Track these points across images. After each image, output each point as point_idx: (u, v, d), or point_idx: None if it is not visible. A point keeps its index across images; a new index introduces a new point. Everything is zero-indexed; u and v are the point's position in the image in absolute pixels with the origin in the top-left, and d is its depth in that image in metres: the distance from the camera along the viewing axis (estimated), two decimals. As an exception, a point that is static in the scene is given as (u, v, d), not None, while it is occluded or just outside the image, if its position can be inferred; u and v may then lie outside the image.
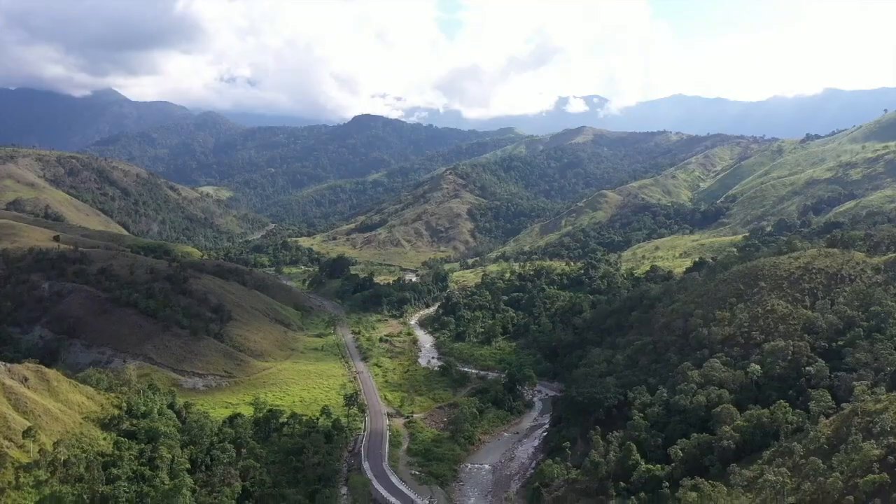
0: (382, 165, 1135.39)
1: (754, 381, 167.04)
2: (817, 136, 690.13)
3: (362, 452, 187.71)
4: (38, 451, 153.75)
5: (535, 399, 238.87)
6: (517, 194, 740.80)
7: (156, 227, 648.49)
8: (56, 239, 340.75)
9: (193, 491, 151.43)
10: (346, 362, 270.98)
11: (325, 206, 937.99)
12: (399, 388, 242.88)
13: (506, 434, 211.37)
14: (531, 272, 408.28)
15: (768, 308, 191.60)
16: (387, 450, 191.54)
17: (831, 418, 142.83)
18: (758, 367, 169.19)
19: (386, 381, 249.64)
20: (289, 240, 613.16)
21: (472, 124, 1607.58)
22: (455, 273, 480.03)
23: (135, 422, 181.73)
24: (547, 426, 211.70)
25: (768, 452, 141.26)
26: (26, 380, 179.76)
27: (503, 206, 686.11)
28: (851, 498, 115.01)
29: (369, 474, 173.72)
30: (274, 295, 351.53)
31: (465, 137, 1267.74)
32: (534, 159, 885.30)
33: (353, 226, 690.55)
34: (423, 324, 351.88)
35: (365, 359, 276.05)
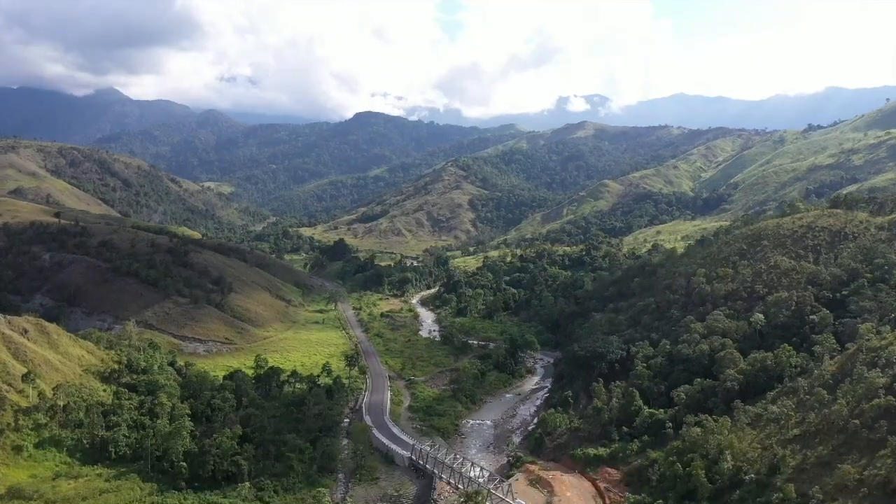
0: (384, 161, 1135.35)
1: (758, 330, 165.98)
2: (819, 127, 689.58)
3: (363, 409, 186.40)
4: (38, 396, 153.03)
5: (538, 366, 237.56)
6: (518, 186, 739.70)
7: (157, 217, 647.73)
8: (57, 216, 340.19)
9: (194, 436, 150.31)
10: (347, 333, 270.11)
11: (326, 200, 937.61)
12: (400, 354, 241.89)
13: (508, 395, 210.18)
14: (533, 254, 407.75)
15: (771, 264, 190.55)
16: (388, 407, 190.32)
17: (836, 358, 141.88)
18: (761, 316, 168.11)
19: (387, 349, 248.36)
20: (290, 229, 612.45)
21: (472, 123, 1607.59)
22: (456, 259, 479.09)
23: (135, 376, 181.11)
24: (549, 387, 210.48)
25: (772, 393, 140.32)
26: (26, 332, 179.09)
27: (504, 197, 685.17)
28: (857, 422, 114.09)
29: (370, 425, 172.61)
30: (275, 273, 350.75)
31: (466, 134, 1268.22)
32: (535, 153, 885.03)
33: (354, 216, 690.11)
34: (424, 302, 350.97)
35: (366, 330, 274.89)
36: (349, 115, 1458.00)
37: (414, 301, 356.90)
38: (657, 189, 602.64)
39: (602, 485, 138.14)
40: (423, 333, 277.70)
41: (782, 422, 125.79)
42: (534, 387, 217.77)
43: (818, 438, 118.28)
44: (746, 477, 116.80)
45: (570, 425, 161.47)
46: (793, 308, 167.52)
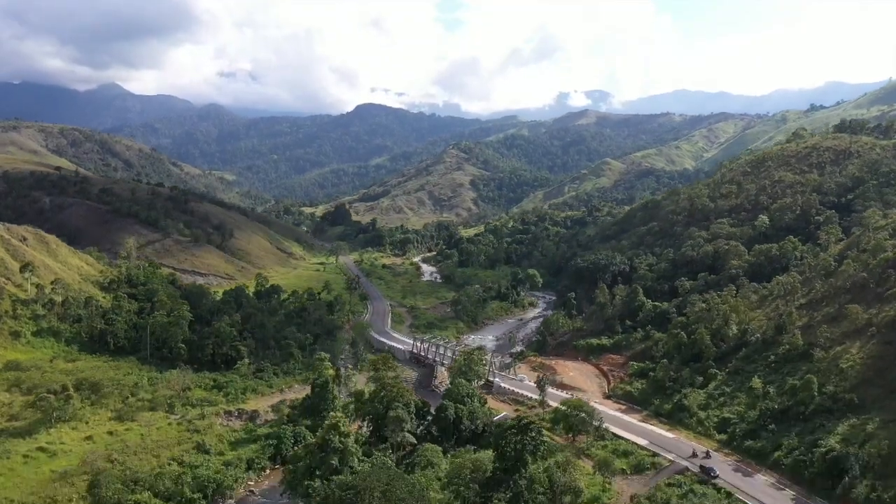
0: (385, 151, 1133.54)
1: (762, 232, 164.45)
2: (822, 107, 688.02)
3: (365, 322, 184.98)
4: (35, 289, 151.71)
5: (540, 301, 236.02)
6: (520, 168, 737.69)
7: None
8: (57, 169, 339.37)
9: (193, 329, 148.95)
10: (348, 276, 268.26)
11: (327, 187, 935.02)
12: (402, 290, 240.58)
13: (510, 320, 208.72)
14: (534, 217, 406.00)
15: (776, 179, 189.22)
16: (389, 323, 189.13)
17: (842, 243, 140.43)
18: (765, 218, 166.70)
19: (388, 289, 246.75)
20: (291, 207, 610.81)
21: (473, 118, 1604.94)
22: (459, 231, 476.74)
23: (134, 289, 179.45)
24: (551, 312, 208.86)
25: (779, 277, 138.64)
26: (24, 239, 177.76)
27: (506, 178, 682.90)
28: (864, 275, 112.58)
29: (371, 332, 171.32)
30: (276, 230, 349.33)
31: (468, 125, 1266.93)
32: (537, 139, 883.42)
33: (355, 196, 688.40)
34: (425, 260, 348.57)
35: (367, 276, 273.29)
36: (349, 110, 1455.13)
37: (416, 259, 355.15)
38: (659, 167, 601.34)
39: (605, 367, 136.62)
40: (425, 278, 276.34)
41: (788, 295, 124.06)
42: (535, 315, 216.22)
43: (825, 302, 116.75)
44: (752, 338, 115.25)
45: (573, 326, 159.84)
46: (797, 212, 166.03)
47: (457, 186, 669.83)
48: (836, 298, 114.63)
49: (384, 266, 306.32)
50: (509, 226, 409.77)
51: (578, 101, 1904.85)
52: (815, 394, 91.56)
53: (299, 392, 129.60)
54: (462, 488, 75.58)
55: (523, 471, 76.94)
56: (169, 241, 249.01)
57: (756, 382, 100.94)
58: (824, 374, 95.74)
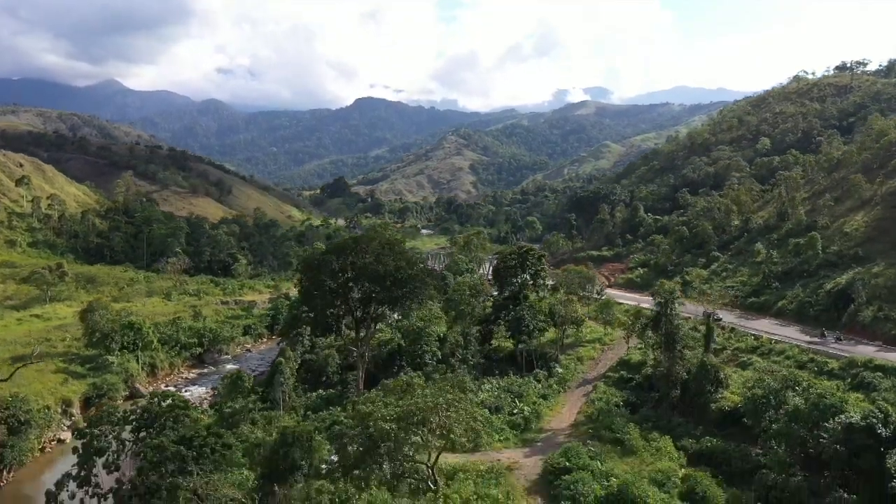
0: (385, 143, 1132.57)
1: (763, 154, 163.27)
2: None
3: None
4: (31, 204, 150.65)
5: (538, 245, 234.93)
6: (519, 154, 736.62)
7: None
8: (55, 132, 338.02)
9: (189, 244, 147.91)
10: (347, 226, 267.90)
11: (326, 177, 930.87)
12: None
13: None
14: (533, 188, 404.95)
15: (777, 111, 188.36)
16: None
17: (845, 146, 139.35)
18: (767, 140, 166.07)
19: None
20: (290, 190, 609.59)
21: (472, 112, 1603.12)
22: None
23: (131, 218, 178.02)
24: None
25: (781, 173, 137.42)
26: (21, 165, 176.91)
27: (505, 163, 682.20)
28: (868, 155, 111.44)
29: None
30: (275, 195, 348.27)
31: (466, 118, 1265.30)
32: (536, 127, 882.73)
33: (354, 182, 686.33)
34: (425, 227, 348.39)
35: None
36: (348, 103, 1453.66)
37: (415, 223, 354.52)
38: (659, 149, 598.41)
39: (605, 273, 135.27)
40: (424, 233, 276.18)
41: (791, 190, 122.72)
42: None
43: (827, 193, 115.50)
44: (754, 225, 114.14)
45: (573, 246, 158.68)
46: (798, 135, 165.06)
47: (456, 170, 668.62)
48: (839, 186, 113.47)
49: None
50: (509, 197, 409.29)
51: (577, 98, 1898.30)
52: (820, 252, 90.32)
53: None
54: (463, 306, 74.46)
55: (524, 302, 75.78)
56: (167, 191, 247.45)
57: (759, 249, 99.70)
58: (828, 239, 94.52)
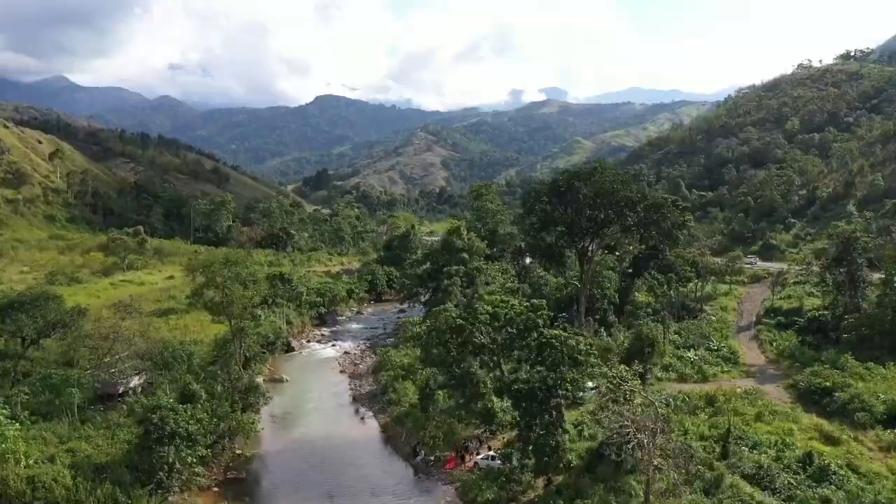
0: (346, 141, 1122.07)
1: (794, 134, 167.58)
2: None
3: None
4: (66, 177, 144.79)
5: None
6: (489, 150, 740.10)
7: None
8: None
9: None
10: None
11: (290, 175, 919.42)
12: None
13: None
14: (518, 180, 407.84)
15: (795, 95, 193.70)
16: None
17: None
18: (796, 120, 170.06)
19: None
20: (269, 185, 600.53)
21: (433, 111, 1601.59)
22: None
23: (153, 197, 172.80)
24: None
25: (836, 144, 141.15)
26: (41, 143, 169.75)
27: (477, 158, 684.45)
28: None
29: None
30: (264, 186, 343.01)
31: (428, 116, 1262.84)
32: (502, 125, 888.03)
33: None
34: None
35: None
36: (305, 101, 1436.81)
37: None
38: (630, 145, 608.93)
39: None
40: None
41: (852, 160, 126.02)
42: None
43: (887, 162, 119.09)
44: (823, 194, 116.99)
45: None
46: (826, 116, 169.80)
47: (428, 166, 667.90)
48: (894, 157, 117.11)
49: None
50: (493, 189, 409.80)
51: (532, 98, 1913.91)
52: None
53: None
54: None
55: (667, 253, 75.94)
56: (168, 176, 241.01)
57: (852, 210, 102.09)
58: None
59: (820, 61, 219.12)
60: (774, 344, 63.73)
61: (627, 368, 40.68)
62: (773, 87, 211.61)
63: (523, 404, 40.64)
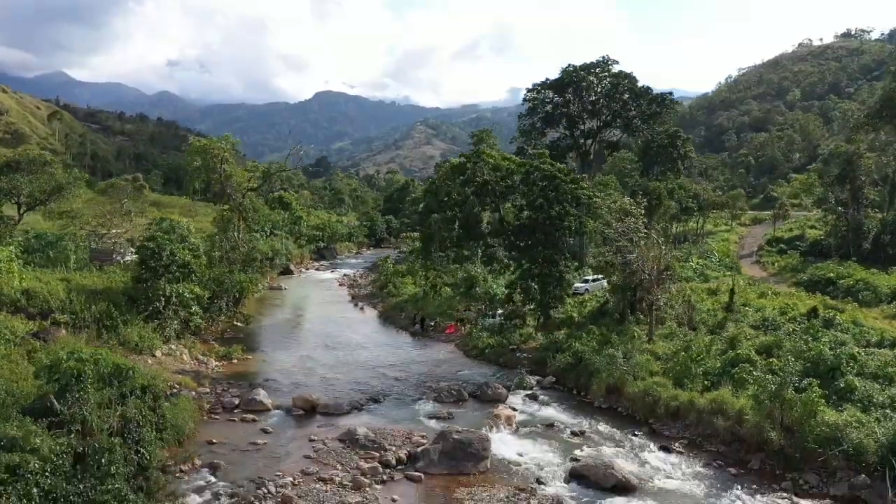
0: (346, 137, 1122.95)
1: (795, 103, 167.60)
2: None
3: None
4: (64, 139, 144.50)
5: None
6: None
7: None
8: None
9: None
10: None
11: (290, 169, 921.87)
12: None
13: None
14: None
15: (796, 70, 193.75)
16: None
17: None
18: (797, 91, 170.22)
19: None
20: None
21: (432, 108, 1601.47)
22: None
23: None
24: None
25: (839, 103, 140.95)
26: (39, 108, 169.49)
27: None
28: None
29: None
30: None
31: (427, 113, 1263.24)
32: (501, 121, 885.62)
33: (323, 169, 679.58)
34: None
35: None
36: (306, 97, 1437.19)
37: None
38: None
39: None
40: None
41: (849, 120, 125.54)
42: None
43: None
44: (822, 152, 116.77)
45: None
46: (826, 87, 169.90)
47: (427, 159, 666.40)
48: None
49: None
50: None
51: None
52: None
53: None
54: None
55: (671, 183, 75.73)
56: (167, 152, 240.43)
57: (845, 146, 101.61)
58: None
59: (821, 39, 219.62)
60: (776, 264, 63.55)
61: (632, 202, 40.80)
62: (774, 65, 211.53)
63: (528, 240, 41.96)
